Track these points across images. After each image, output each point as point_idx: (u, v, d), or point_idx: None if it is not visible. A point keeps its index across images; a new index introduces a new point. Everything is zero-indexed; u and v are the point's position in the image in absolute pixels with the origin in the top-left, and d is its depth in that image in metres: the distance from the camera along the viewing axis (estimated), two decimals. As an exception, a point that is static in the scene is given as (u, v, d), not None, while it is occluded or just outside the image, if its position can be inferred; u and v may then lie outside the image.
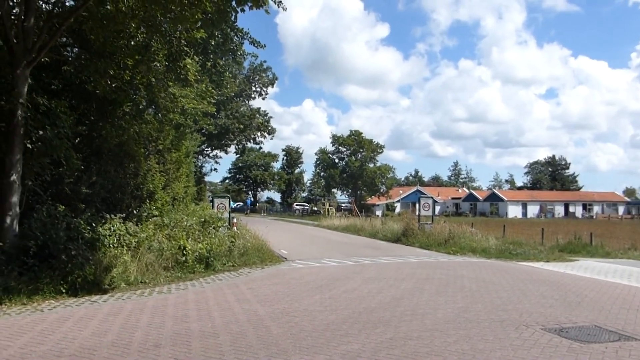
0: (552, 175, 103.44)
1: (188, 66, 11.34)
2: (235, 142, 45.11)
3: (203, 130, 30.86)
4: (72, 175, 10.38)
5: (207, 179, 55.46)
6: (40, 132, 8.33)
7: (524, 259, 15.15)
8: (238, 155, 77.18)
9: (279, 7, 14.28)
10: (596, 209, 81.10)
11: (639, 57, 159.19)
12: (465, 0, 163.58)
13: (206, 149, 42.41)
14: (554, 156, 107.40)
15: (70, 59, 11.19)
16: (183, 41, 10.67)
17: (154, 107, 13.96)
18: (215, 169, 66.98)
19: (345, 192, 75.74)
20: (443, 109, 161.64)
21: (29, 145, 8.35)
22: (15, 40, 7.92)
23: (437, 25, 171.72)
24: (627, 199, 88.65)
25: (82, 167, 10.53)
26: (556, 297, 8.80)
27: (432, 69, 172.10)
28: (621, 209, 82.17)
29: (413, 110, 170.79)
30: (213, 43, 15.34)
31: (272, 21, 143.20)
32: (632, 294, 9.33)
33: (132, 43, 10.00)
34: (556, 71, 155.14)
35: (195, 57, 12.58)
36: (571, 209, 79.77)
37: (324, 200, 67.90)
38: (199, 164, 41.51)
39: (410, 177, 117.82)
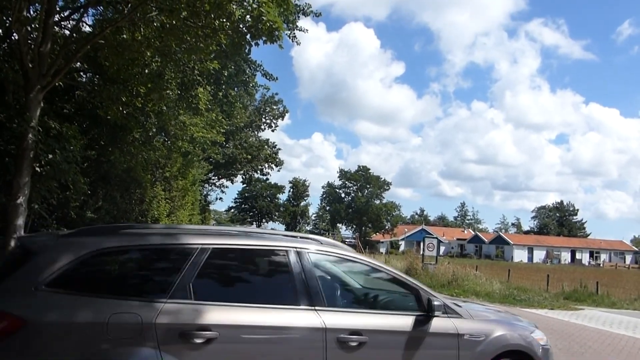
0: (559, 220, 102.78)
1: (200, 95, 11.49)
2: (242, 172, 45.27)
3: (210, 159, 31.05)
4: (78, 199, 10.42)
5: (212, 207, 55.57)
6: (50, 156, 8.39)
7: (528, 305, 14.92)
8: (244, 185, 77.43)
9: (293, 41, 14.67)
10: (603, 257, 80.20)
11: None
12: (481, 43, 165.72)
13: (213, 178, 42.57)
14: (562, 201, 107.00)
15: (83, 84, 11.37)
16: (196, 71, 10.84)
17: (163, 134, 14.11)
18: (220, 198, 67.42)
19: (350, 227, 75.52)
20: (453, 149, 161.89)
21: (37, 169, 8.40)
22: (30, 65, 8.05)
23: (452, 67, 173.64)
24: (635, 248, 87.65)
25: (89, 192, 10.57)
26: (560, 346, 8.61)
27: (445, 109, 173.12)
28: (629, 258, 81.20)
29: (423, 149, 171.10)
30: (226, 74, 15.61)
31: (287, 54, 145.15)
32: (637, 347, 9.13)
33: (146, 71, 10.15)
34: (568, 117, 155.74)
35: (207, 86, 12.77)
36: (578, 255, 78.90)
37: (329, 234, 67.62)
38: (205, 193, 41.65)
39: (416, 216, 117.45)
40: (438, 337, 4.26)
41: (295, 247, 4.11)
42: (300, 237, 4.55)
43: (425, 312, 4.25)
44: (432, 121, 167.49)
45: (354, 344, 3.88)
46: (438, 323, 4.26)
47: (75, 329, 3.25)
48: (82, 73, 11.59)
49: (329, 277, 4.57)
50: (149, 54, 9.45)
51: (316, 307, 3.89)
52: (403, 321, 4.20)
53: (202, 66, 10.60)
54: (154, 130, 12.76)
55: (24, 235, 6.02)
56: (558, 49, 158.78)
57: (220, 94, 17.18)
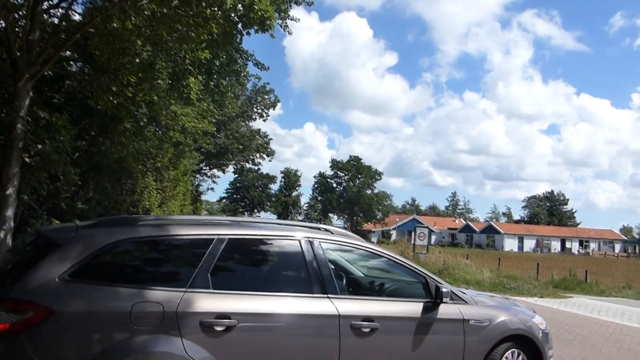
0: (550, 210, 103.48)
1: (191, 85, 11.43)
2: (233, 162, 45.15)
3: (202, 149, 30.94)
4: (68, 190, 10.37)
5: (203, 197, 55.46)
6: (39, 146, 8.33)
7: (518, 293, 15.06)
8: (236, 175, 77.29)
9: (285, 31, 14.59)
10: (593, 245, 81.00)
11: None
12: (474, 34, 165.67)
13: (204, 168, 42.43)
14: (552, 191, 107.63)
15: (73, 73, 11.27)
16: (187, 60, 10.77)
17: (154, 124, 14.03)
18: (212, 188, 67.29)
19: (341, 217, 75.69)
20: (445, 139, 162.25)
21: (27, 159, 8.34)
22: (18, 53, 7.97)
23: (445, 57, 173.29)
24: (624, 237, 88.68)
25: (80, 183, 10.51)
26: (550, 335, 8.71)
27: (437, 99, 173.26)
28: (618, 247, 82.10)
29: (415, 139, 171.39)
30: (217, 63, 15.47)
31: (280, 44, 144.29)
32: (624, 334, 9.27)
33: (137, 60, 10.09)
34: (560, 108, 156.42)
35: (199, 76, 12.70)
36: (568, 244, 79.65)
37: (320, 224, 67.74)
38: (196, 183, 41.53)
39: (408, 206, 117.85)
40: (445, 323, 4.38)
41: (308, 237, 4.21)
42: (311, 227, 4.66)
43: (433, 299, 4.36)
44: (424, 111, 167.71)
45: (367, 330, 3.99)
46: (445, 309, 4.38)
47: (99, 318, 3.33)
48: (72, 62, 11.48)
49: (341, 266, 4.71)
50: (139, 43, 9.38)
51: (329, 295, 3.99)
52: (412, 308, 4.32)
53: (194, 56, 10.54)
54: (145, 120, 12.70)
55: (44, 227, 6.05)
56: (551, 40, 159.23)
57: (212, 83, 17.02)
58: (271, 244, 4.22)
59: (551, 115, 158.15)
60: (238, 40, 13.79)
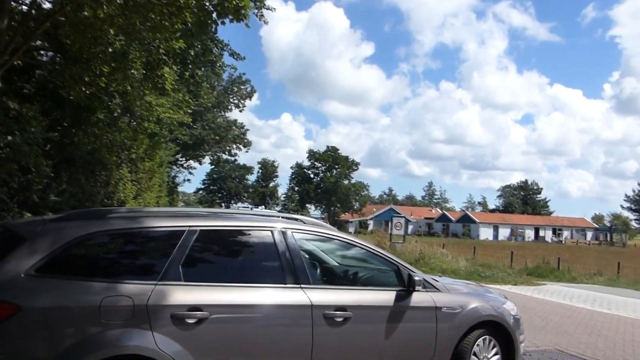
0: (524, 199, 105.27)
1: (166, 75, 11.26)
2: (210, 153, 44.83)
3: (178, 140, 30.63)
4: (41, 182, 10.14)
5: (180, 189, 54.96)
6: (9, 138, 8.14)
7: (492, 281, 15.32)
8: (213, 166, 76.69)
9: (260, 20, 14.47)
10: (565, 234, 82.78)
11: (611, 89, 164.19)
12: (450, 24, 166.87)
13: (180, 159, 42.03)
14: (526, 181, 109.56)
15: (44, 63, 11.01)
16: (162, 50, 10.59)
17: (128, 115, 13.81)
18: (188, 180, 66.89)
19: (319, 207, 75.85)
20: (422, 129, 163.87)
21: (-4, 151, 8.14)
22: (-14, 42, 7.76)
23: (421, 47, 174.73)
24: (596, 225, 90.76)
25: (52, 175, 10.30)
26: (521, 320, 8.89)
27: (414, 89, 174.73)
28: (589, 235, 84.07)
29: (392, 129, 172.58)
30: (192, 53, 15.28)
31: (257, 34, 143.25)
32: (595, 319, 9.52)
33: (110, 50, 9.88)
34: (534, 98, 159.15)
35: (173, 66, 12.52)
36: (541, 233, 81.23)
37: (297, 214, 67.76)
38: (172, 174, 41.13)
39: (385, 196, 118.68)
40: (418, 310, 4.42)
41: (280, 227, 4.19)
42: (284, 217, 4.64)
43: (406, 287, 4.39)
44: (400, 101, 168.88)
45: (340, 319, 4.00)
46: (418, 297, 4.42)
47: (67, 314, 3.25)
48: (42, 51, 11.21)
49: (314, 256, 4.70)
50: (112, 32, 9.19)
51: (302, 285, 3.99)
52: (385, 296, 4.35)
53: (168, 45, 10.36)
54: (119, 111, 12.48)
55: (10, 220, 5.91)
56: (525, 31, 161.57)
57: (187, 74, 16.81)
58: (243, 234, 4.20)
59: (525, 105, 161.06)
60: (213, 29, 13.65)
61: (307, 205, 77.74)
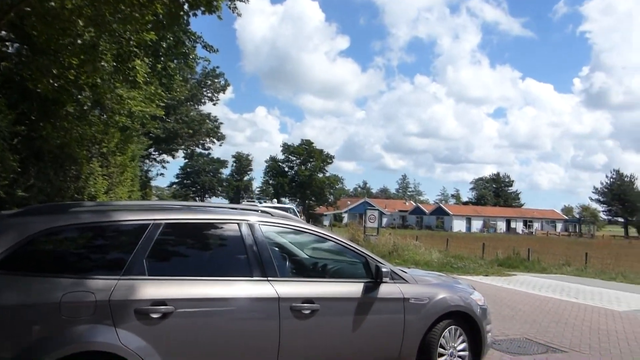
0: (496, 191, 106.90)
1: (137, 67, 11.08)
2: (183, 146, 44.38)
3: (150, 134, 30.22)
4: (7, 177, 9.92)
5: (153, 183, 54.27)
6: (-26, 131, 7.94)
7: (464, 272, 15.56)
8: (186, 160, 75.95)
9: (233, 12, 14.31)
10: (536, 225, 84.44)
11: (581, 83, 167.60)
12: (424, 18, 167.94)
13: (153, 153, 41.50)
14: (498, 173, 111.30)
15: (10, 54, 10.74)
16: (132, 42, 10.41)
17: (99, 108, 13.57)
18: (162, 174, 66.00)
19: (293, 200, 75.79)
20: (397, 122, 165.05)
21: (-40, 145, 7.93)
22: (-51, 33, 7.53)
23: (396, 41, 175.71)
24: (565, 217, 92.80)
25: (20, 170, 10.07)
26: (491, 310, 9.03)
27: (389, 82, 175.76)
28: (559, 226, 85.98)
29: (367, 123, 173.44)
30: (164, 45, 15.05)
31: (231, 27, 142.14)
32: (563, 308, 9.76)
33: (79, 42, 9.67)
34: (506, 92, 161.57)
35: (145, 59, 12.32)
36: (512, 224, 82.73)
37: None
38: (145, 168, 40.59)
39: (359, 189, 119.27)
40: (386, 302, 4.45)
41: (247, 220, 4.17)
42: (251, 210, 4.60)
43: (374, 278, 4.42)
44: (375, 95, 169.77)
45: (307, 312, 4.01)
46: (385, 289, 4.46)
47: (27, 311, 3.19)
48: (7, 43, 10.93)
49: (281, 248, 4.67)
50: (81, 23, 8.99)
51: (269, 278, 3.97)
52: (353, 288, 4.37)
53: (139, 37, 10.19)
54: (89, 104, 12.24)
55: None
56: (498, 26, 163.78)
57: (159, 66, 16.50)
58: (209, 227, 4.17)
59: (498, 99, 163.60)
60: (185, 21, 13.46)
61: (282, 198, 77.61)
